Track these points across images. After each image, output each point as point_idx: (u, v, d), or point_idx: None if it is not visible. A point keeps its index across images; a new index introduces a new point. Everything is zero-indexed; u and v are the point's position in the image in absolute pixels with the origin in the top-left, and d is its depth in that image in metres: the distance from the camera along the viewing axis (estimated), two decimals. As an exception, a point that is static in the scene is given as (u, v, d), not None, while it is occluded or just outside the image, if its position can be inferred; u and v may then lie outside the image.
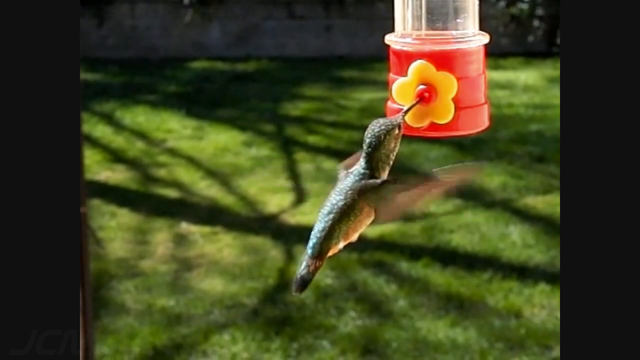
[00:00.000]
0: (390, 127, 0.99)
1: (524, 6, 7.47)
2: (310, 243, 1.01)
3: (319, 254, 1.01)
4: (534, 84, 6.52)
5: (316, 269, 1.00)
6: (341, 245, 1.02)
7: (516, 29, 7.47)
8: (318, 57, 7.41)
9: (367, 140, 0.99)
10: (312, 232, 1.01)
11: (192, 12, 7.57)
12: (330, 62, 7.31)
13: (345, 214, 1.00)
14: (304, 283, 1.00)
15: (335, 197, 1.01)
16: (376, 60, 6.56)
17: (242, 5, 7.63)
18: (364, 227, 1.02)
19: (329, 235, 1.00)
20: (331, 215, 1.00)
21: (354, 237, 1.02)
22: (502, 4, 7.42)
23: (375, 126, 0.99)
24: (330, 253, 1.02)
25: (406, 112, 0.99)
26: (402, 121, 0.99)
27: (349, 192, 1.00)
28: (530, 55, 7.34)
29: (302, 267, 1.01)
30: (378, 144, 0.99)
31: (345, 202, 1.00)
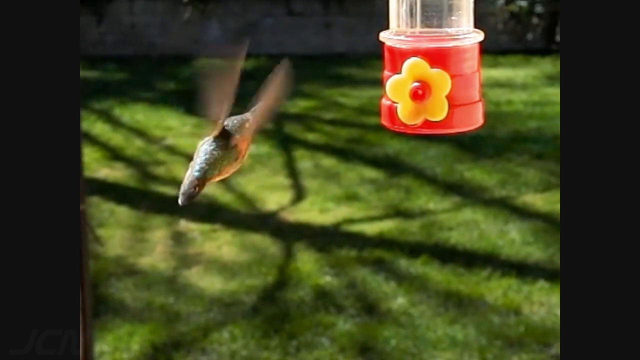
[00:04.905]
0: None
1: (523, 3, 7.47)
2: (197, 167, 1.04)
3: (203, 178, 1.04)
4: (533, 81, 6.51)
5: (200, 189, 1.04)
6: (217, 178, 1.06)
7: (515, 26, 7.47)
8: (317, 55, 7.40)
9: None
10: (195, 161, 1.05)
11: (191, 10, 7.57)
12: (329, 59, 7.31)
13: (224, 154, 1.06)
14: (191, 197, 1.03)
15: (207, 147, 1.06)
16: (375, 58, 6.55)
17: (240, 2, 7.63)
18: (236, 168, 1.08)
19: (213, 166, 1.05)
20: (215, 153, 1.05)
21: (226, 175, 1.07)
22: (500, 1, 7.42)
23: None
24: (209, 183, 1.06)
25: (254, 112, 1.12)
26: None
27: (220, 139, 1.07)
28: (529, 52, 7.33)
29: (187, 182, 1.04)
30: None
31: (220, 145, 1.07)
